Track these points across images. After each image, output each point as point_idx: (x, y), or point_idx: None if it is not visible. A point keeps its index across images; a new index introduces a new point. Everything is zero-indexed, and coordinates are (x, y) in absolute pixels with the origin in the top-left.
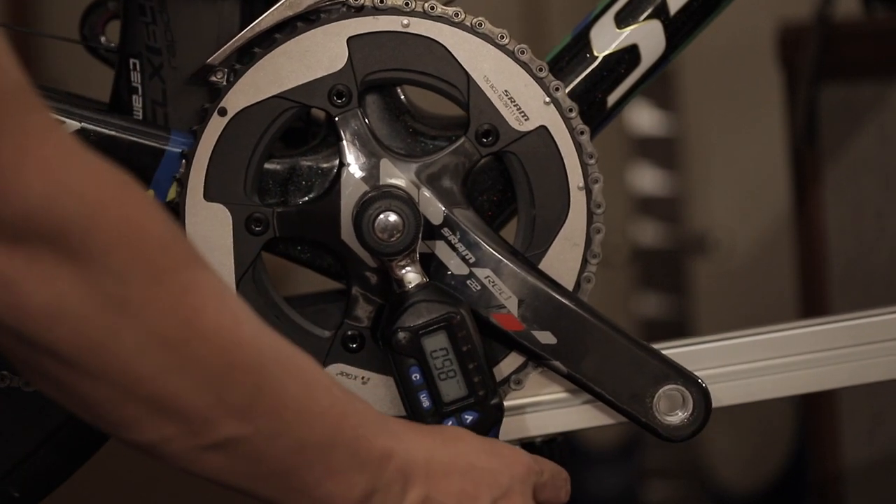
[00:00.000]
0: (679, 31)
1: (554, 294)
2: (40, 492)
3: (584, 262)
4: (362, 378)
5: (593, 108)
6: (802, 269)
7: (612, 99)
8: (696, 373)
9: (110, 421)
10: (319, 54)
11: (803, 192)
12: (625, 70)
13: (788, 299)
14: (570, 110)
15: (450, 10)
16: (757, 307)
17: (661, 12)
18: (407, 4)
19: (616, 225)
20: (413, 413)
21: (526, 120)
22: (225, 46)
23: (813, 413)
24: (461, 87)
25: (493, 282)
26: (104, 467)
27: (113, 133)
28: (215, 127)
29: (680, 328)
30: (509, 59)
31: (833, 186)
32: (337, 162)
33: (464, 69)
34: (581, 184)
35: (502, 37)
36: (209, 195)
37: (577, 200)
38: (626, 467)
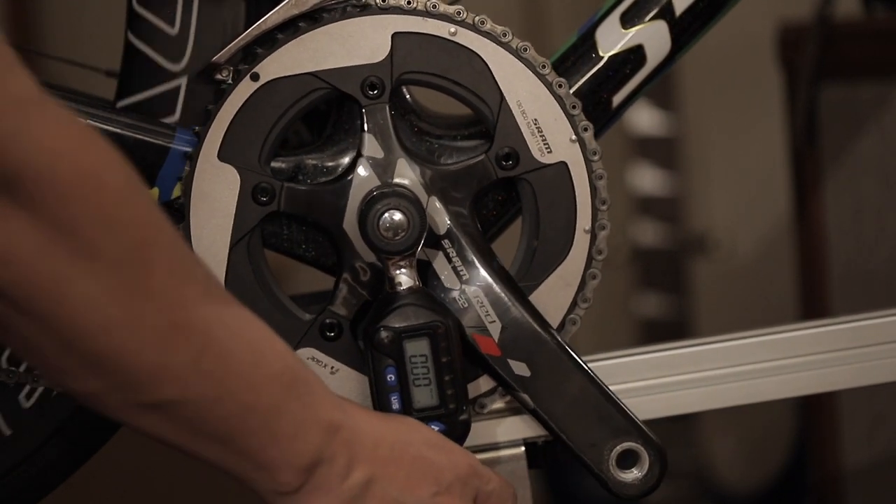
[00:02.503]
0: (685, 31)
1: (538, 328)
2: (39, 491)
3: (574, 303)
4: (332, 368)
5: (598, 109)
6: (802, 269)
7: (617, 99)
8: (695, 374)
9: (50, 367)
10: (362, 42)
11: (803, 193)
12: (630, 70)
13: (788, 299)
14: (594, 153)
15: (498, 29)
16: (757, 307)
17: (666, 13)
18: (458, 13)
19: (616, 225)
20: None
21: (549, 152)
22: (230, 45)
23: (813, 413)
24: (493, 107)
25: (482, 303)
26: (103, 470)
27: (118, 130)
28: (245, 89)
29: (680, 328)
30: (546, 90)
31: (833, 187)
32: (344, 160)
33: (499, 89)
34: (588, 227)
35: (544, 66)
36: (223, 155)
37: (580, 243)
38: None
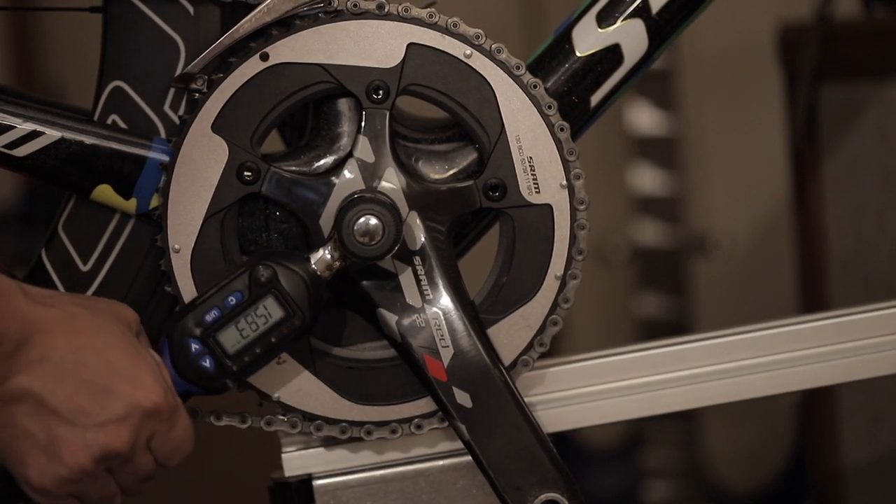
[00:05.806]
0: (662, 29)
1: (488, 363)
2: None
3: (530, 346)
4: (279, 358)
5: (576, 109)
6: (802, 269)
7: (595, 99)
8: (694, 370)
9: None
10: (377, 45)
11: (803, 192)
12: (607, 69)
13: (788, 299)
14: (581, 203)
15: (513, 61)
16: (757, 307)
17: (642, 11)
18: (477, 37)
19: (616, 225)
20: (193, 308)
21: (537, 192)
22: (203, 53)
23: (813, 413)
24: (491, 136)
25: (439, 326)
26: None
27: (94, 142)
28: (251, 67)
29: (680, 328)
30: (547, 131)
31: (833, 186)
32: (324, 162)
33: (502, 121)
34: (559, 274)
35: (550, 107)
36: (217, 127)
37: (549, 288)
38: (626, 467)
